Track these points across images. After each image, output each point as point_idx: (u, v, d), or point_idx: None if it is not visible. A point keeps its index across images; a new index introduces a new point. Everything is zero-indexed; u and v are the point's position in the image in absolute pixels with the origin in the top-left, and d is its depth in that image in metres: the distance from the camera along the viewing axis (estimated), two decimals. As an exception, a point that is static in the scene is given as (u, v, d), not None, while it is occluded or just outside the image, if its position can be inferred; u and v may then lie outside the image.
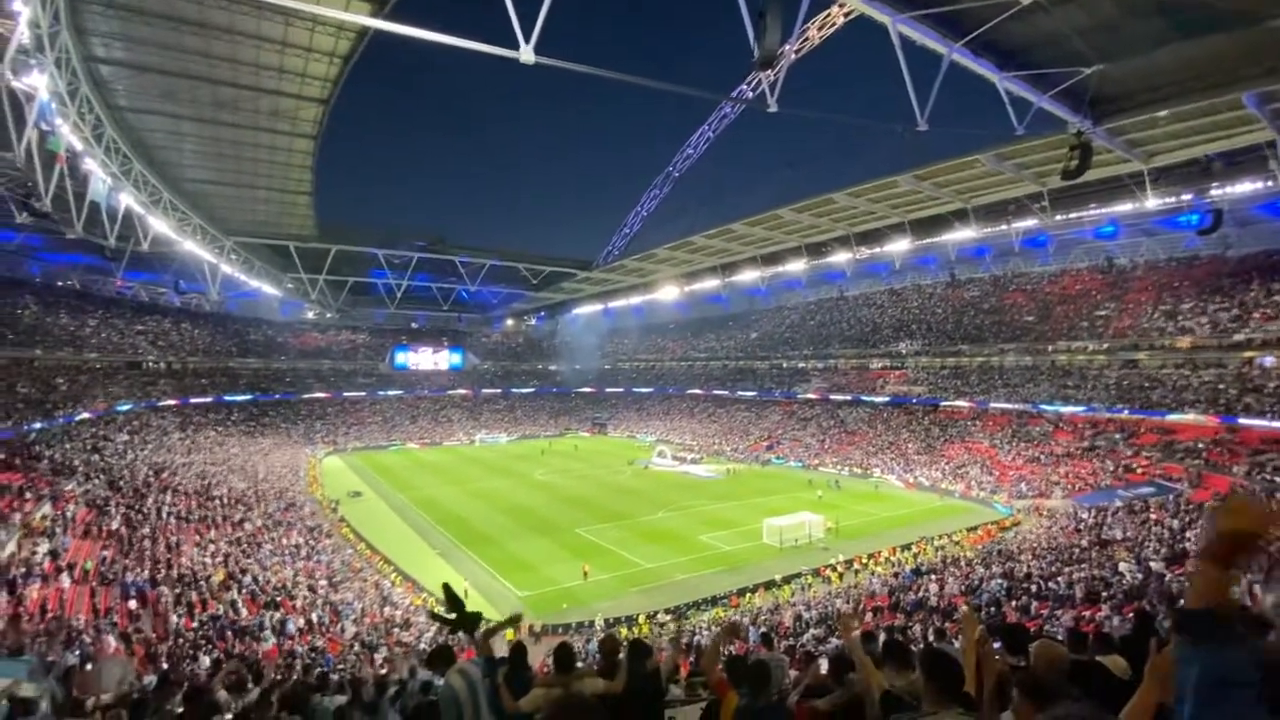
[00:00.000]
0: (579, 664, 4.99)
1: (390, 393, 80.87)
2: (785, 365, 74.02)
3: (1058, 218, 35.84)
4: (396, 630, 19.88)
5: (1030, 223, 37.55)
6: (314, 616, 19.69)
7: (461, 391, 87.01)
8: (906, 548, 28.34)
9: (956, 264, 60.98)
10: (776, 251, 53.01)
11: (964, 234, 41.00)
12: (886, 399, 56.55)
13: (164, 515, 26.08)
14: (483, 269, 70.84)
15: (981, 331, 53.99)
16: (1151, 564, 19.11)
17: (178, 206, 39.42)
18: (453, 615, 5.10)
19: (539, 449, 66.20)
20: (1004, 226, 38.67)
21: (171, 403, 56.16)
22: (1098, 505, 28.27)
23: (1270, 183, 26.68)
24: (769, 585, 24.62)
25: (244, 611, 18.82)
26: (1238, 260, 42.56)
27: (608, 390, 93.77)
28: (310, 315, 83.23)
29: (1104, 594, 16.43)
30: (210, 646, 15.60)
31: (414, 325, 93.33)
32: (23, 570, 16.94)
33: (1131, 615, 9.34)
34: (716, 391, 78.16)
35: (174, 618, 17.05)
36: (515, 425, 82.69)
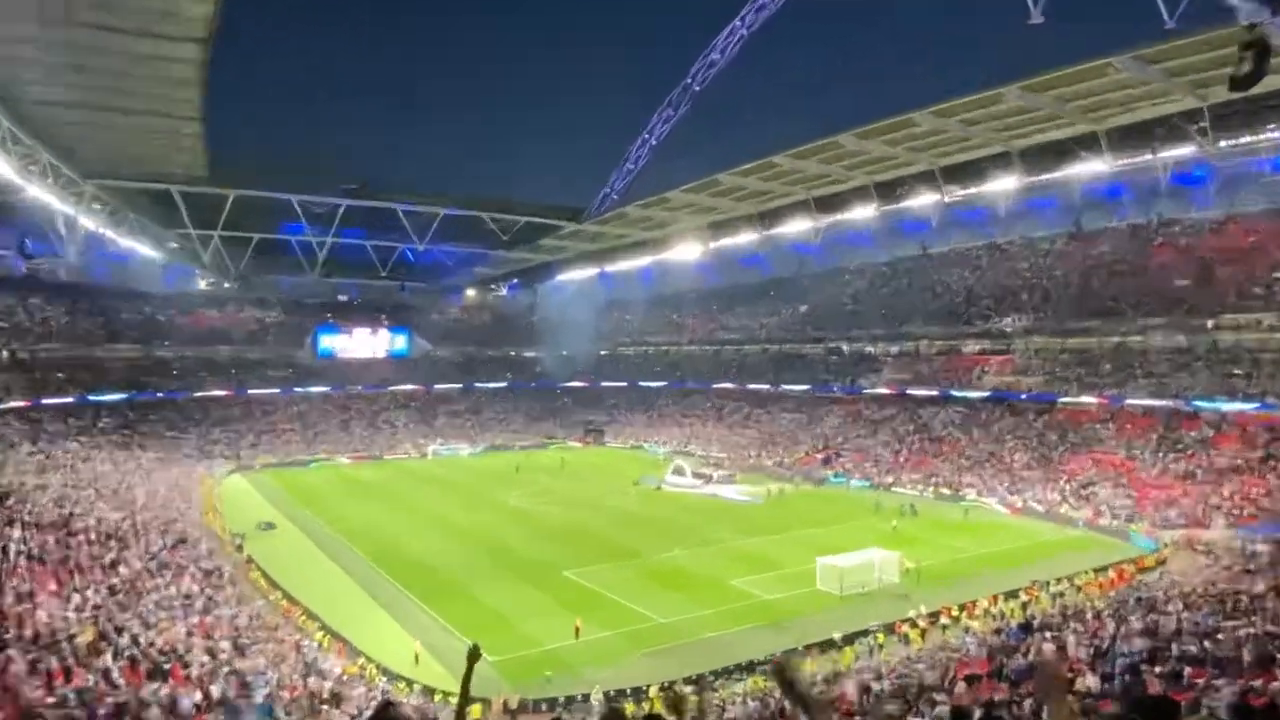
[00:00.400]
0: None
1: (312, 389, 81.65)
2: (847, 349, 73.86)
3: (1222, 144, 35.47)
4: (325, 708, 20.15)
5: (1184, 151, 37.17)
6: (215, 689, 19.97)
7: (408, 387, 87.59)
8: (1012, 595, 28.40)
9: (1083, 209, 60.57)
10: (835, 194, 52.83)
11: (1092, 167, 40.60)
12: (985, 394, 56.58)
13: (11, 556, 26.41)
14: (434, 221, 70.76)
15: (1116, 301, 53.69)
16: (1348, 617, 19.03)
17: (19, 138, 39.54)
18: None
19: (513, 464, 66.58)
20: (1148, 156, 38.32)
21: (17, 404, 56.78)
22: (1276, 538, 28.18)
23: None
24: (825, 646, 24.75)
25: (121, 683, 19.10)
26: None
27: (605, 384, 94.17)
28: (203, 285, 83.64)
29: (1282, 657, 16.41)
30: (78, 729, 15.83)
31: (342, 298, 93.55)
32: None
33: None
34: (753, 385, 78.32)
35: (28, 691, 17.34)
36: (481, 432, 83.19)
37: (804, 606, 28.82)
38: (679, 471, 57.35)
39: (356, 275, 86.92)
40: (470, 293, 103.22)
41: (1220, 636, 19.03)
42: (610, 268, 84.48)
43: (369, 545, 38.73)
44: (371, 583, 32.71)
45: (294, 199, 65.96)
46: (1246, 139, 34.92)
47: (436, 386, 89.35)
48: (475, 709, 20.09)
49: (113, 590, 26.06)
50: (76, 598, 24.32)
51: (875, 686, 20.44)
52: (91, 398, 65.06)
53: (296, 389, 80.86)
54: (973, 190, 46.40)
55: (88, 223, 53.63)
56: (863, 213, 53.89)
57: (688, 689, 21.35)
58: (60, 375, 65.31)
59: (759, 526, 42.13)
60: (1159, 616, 21.50)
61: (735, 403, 79.71)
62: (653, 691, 22.01)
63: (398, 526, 43.41)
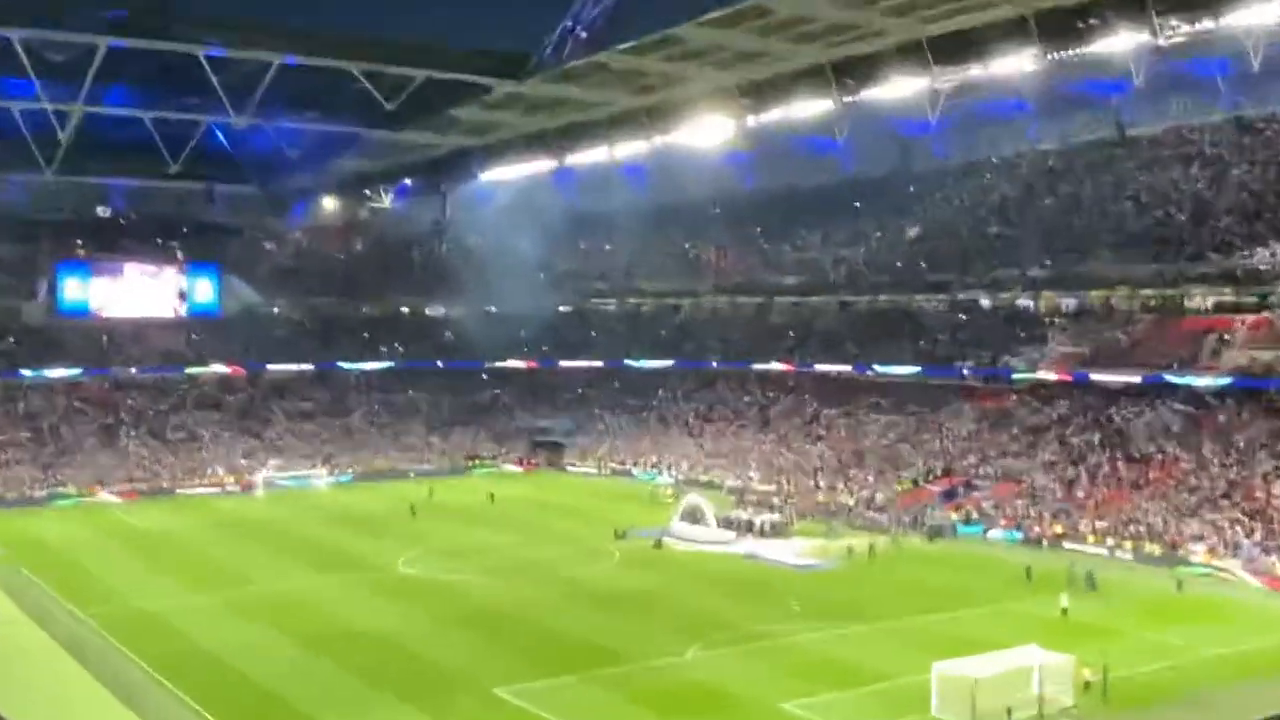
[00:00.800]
0: None
1: (50, 372, 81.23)
2: (987, 303, 73.69)
3: None
4: None
5: None
6: None
7: (219, 369, 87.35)
8: (1270, 727, 28.55)
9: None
10: (965, 31, 52.38)
11: None
12: (1225, 381, 56.48)
13: None
14: (265, 77, 69.97)
15: None
16: None
17: None
18: None
19: (406, 502, 66.47)
20: None
21: None
22: None
23: None
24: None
25: None
26: None
27: (566, 365, 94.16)
28: None
29: None
30: None
31: (103, 212, 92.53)
32: None
33: None
34: (823, 366, 78.34)
35: None
36: (350, 448, 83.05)
37: (910, 747, 28.92)
38: (693, 516, 57.21)
39: (128, 172, 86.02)
40: (329, 203, 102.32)
41: None
42: (576, 159, 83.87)
43: (152, 645, 38.21)
44: (155, 708, 32.28)
45: (15, 36, 65.01)
46: None
47: (270, 367, 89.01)
48: None
49: None
50: None
51: None
52: None
53: (22, 371, 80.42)
54: (1204, 25, 46.00)
55: None
56: (1013, 64, 53.40)
57: None
58: None
59: (833, 610, 41.86)
60: None
61: (791, 395, 79.66)
62: None
63: (202, 612, 43.01)
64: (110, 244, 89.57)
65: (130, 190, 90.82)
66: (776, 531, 56.45)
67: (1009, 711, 29.79)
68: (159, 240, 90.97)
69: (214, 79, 69.12)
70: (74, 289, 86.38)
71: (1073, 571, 44.85)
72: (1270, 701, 30.13)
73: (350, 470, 79.48)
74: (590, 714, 31.20)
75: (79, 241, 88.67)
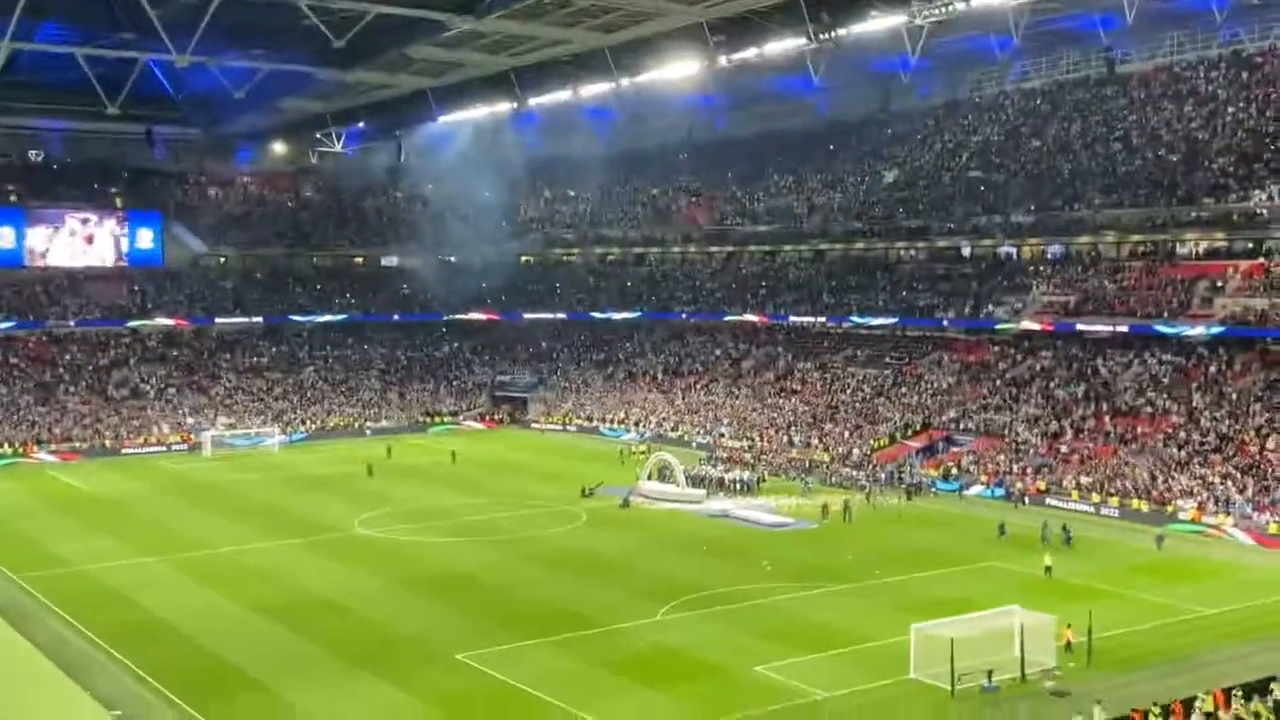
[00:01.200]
0: None
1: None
2: (968, 250, 73.84)
3: None
4: None
5: None
6: None
7: (162, 321, 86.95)
8: (1259, 690, 28.71)
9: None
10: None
11: None
12: (1217, 330, 56.74)
13: None
14: (206, 10, 68.69)
15: None
16: None
17: None
18: None
19: (363, 461, 66.50)
20: None
21: None
22: None
23: None
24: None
25: None
26: None
27: (530, 317, 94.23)
28: None
29: None
30: None
31: (36, 156, 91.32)
32: None
33: None
34: (796, 317, 78.62)
35: None
36: (303, 404, 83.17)
37: (888, 712, 28.86)
38: (662, 474, 57.48)
39: (62, 114, 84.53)
40: (278, 148, 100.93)
41: None
42: (538, 101, 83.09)
43: (97, 612, 38.11)
44: (101, 675, 32.00)
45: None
46: None
47: (218, 321, 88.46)
48: None
49: None
50: None
51: None
52: None
53: (-47, 327, 79.61)
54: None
55: None
56: (998, -1, 53.11)
57: None
58: None
59: (807, 571, 42.26)
60: None
61: (765, 348, 79.85)
62: None
63: (150, 577, 42.88)
64: (45, 190, 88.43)
65: (65, 133, 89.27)
66: (747, 489, 56.83)
67: (989, 673, 30.03)
68: (97, 186, 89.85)
69: (152, 13, 67.85)
70: (6, 237, 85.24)
71: (1045, 530, 45.44)
72: (1261, 664, 30.47)
73: (303, 428, 79.26)
74: (558, 680, 31.23)
75: (11, 187, 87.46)
